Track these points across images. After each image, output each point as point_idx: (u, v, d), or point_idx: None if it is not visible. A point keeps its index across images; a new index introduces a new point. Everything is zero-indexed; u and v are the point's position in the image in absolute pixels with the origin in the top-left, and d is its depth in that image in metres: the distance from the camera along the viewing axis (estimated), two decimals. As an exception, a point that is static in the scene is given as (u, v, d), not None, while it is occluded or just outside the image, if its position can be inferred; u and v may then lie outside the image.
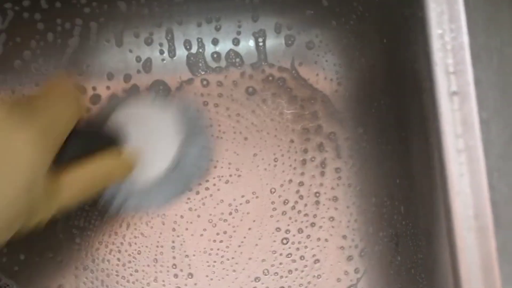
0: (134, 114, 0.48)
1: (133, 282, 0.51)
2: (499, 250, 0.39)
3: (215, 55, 0.53)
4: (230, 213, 0.52)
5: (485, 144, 0.39)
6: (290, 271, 0.52)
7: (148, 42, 0.52)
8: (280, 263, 0.52)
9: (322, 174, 0.52)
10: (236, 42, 0.53)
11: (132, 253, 0.51)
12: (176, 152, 0.47)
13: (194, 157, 0.49)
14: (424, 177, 0.44)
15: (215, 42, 0.53)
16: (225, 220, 0.52)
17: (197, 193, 0.52)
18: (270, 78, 0.53)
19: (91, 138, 0.43)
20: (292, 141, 0.52)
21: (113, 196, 0.48)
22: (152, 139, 0.47)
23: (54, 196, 0.38)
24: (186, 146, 0.48)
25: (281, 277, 0.51)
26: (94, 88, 0.52)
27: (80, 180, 0.40)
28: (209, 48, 0.53)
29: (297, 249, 0.52)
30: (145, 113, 0.48)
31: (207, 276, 0.52)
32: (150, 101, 0.49)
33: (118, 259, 0.51)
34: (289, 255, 0.52)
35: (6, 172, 0.33)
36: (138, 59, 0.52)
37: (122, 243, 0.51)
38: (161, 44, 0.52)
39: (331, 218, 0.52)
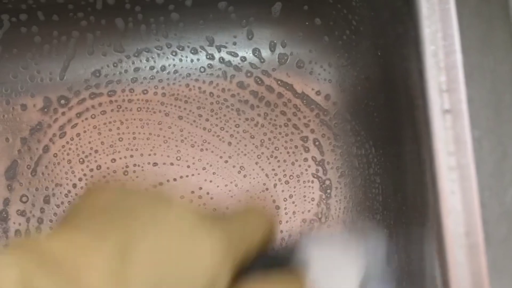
0: (318, 251, 0.47)
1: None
2: (489, 268, 0.39)
3: (209, 70, 0.53)
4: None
5: (477, 162, 0.39)
6: None
7: (143, 56, 0.52)
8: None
9: (313, 187, 0.52)
10: (231, 56, 0.53)
11: None
12: None
13: None
14: (417, 193, 0.44)
15: (210, 57, 0.53)
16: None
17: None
18: (265, 91, 0.53)
19: (275, 264, 0.43)
20: (284, 154, 0.52)
21: None
22: (331, 276, 0.46)
23: None
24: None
25: None
26: (82, 100, 0.52)
27: None
28: (204, 63, 0.53)
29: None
30: (329, 251, 0.47)
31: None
32: (343, 244, 0.48)
33: None
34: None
35: (190, 268, 0.34)
36: (132, 70, 0.53)
37: None
38: (155, 57, 0.53)
39: (322, 229, 0.52)
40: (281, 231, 0.52)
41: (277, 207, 0.52)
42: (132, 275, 0.32)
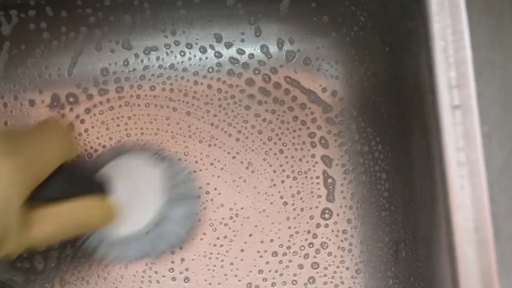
0: (125, 166, 0.47)
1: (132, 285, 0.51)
2: (499, 263, 0.39)
3: (217, 66, 0.53)
4: (231, 217, 0.52)
5: (486, 157, 0.40)
6: (286, 283, 0.52)
7: (151, 53, 0.53)
8: (277, 271, 0.52)
9: (320, 183, 0.52)
10: (239, 53, 0.53)
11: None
12: (159, 211, 0.47)
13: (177, 219, 0.49)
14: (425, 189, 0.44)
15: (218, 55, 0.53)
16: (226, 225, 0.52)
17: (198, 197, 0.52)
18: (273, 88, 0.53)
19: (76, 181, 0.42)
20: (292, 150, 0.52)
21: (89, 240, 0.48)
22: (137, 193, 0.47)
23: (26, 230, 0.37)
24: (171, 206, 0.48)
25: (279, 284, 0.52)
26: (90, 96, 0.52)
27: (55, 217, 0.39)
28: (212, 60, 0.53)
29: (297, 255, 0.52)
30: (136, 167, 0.48)
31: (205, 280, 0.52)
32: (145, 157, 0.49)
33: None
34: (290, 261, 0.52)
35: None
36: (141, 67, 0.53)
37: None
38: (163, 55, 0.53)
39: (329, 226, 0.52)
40: (289, 227, 0.52)
41: (285, 203, 0.52)
42: None
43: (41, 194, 0.38)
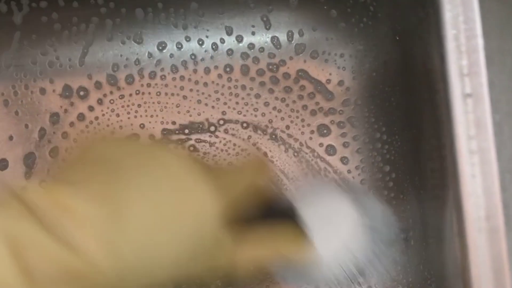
0: (320, 200, 0.47)
1: None
2: (510, 251, 0.39)
3: (228, 57, 0.53)
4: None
5: (497, 146, 0.39)
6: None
7: (162, 46, 0.53)
8: None
9: (330, 172, 0.52)
10: (249, 44, 0.53)
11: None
12: (347, 246, 0.47)
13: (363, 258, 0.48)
14: (436, 178, 0.44)
15: (229, 47, 0.53)
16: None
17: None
18: (282, 78, 0.53)
19: (276, 213, 0.43)
20: (300, 140, 0.53)
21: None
22: (329, 227, 0.47)
23: (229, 249, 0.39)
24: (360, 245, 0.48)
25: None
26: (99, 84, 0.52)
27: (262, 241, 0.41)
28: (223, 51, 0.53)
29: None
30: (331, 201, 0.48)
31: None
32: (343, 197, 0.48)
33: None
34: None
35: (181, 208, 0.35)
36: (152, 57, 0.53)
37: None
38: (174, 47, 0.53)
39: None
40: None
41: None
42: (123, 235, 0.33)
43: (238, 219, 0.39)
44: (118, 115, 0.52)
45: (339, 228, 0.46)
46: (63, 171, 0.37)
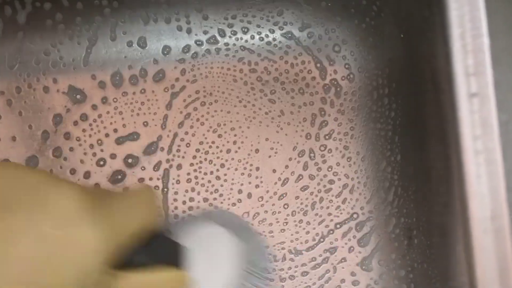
0: (203, 237, 0.47)
1: None
2: (515, 252, 0.39)
3: (231, 53, 0.53)
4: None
5: (503, 146, 0.39)
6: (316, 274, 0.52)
7: (165, 50, 0.53)
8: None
9: (333, 168, 0.52)
10: (255, 39, 0.53)
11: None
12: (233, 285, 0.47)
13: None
14: (441, 177, 0.44)
15: (233, 42, 0.53)
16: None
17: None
18: (288, 72, 0.53)
19: (158, 249, 0.42)
20: (303, 135, 0.52)
21: None
22: (214, 267, 0.47)
23: None
24: (246, 281, 0.47)
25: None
26: (102, 84, 0.52)
27: (136, 286, 0.40)
28: (227, 47, 0.53)
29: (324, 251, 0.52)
30: (214, 240, 0.48)
31: None
32: (223, 231, 0.48)
33: None
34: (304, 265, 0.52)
35: (66, 257, 0.34)
36: (156, 61, 0.53)
37: None
38: (177, 51, 0.53)
39: (343, 210, 0.52)
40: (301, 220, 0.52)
41: (304, 188, 0.52)
42: (8, 270, 0.33)
43: (125, 262, 0.38)
44: (121, 112, 0.52)
45: (222, 268, 0.47)
46: None
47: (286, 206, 0.52)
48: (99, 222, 0.36)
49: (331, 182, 0.52)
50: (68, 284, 0.34)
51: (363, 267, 0.52)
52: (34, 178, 0.36)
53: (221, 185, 0.52)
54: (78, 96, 0.52)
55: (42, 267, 0.34)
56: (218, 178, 0.52)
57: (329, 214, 0.52)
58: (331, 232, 0.52)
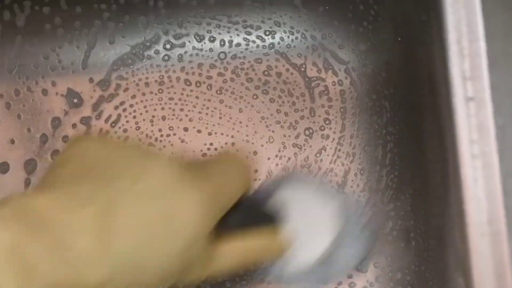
0: (296, 197, 0.47)
1: None
2: (512, 256, 0.39)
3: (228, 55, 0.53)
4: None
5: (500, 150, 0.40)
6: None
7: (163, 53, 0.53)
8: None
9: (330, 171, 0.52)
10: (257, 38, 0.53)
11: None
12: (330, 244, 0.47)
13: (346, 254, 0.48)
14: (438, 181, 0.44)
15: (229, 49, 0.53)
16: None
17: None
18: (284, 75, 0.53)
19: (252, 211, 0.43)
20: (302, 139, 0.53)
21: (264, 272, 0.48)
22: (310, 224, 0.47)
23: (210, 259, 0.39)
24: (342, 241, 0.47)
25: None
26: (101, 87, 0.52)
27: (237, 252, 0.41)
28: (223, 52, 0.53)
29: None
30: (307, 198, 0.48)
31: None
32: (315, 187, 0.49)
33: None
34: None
35: (172, 227, 0.35)
36: (155, 64, 0.53)
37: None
38: (178, 47, 0.53)
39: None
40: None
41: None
42: (116, 239, 0.33)
43: (222, 226, 0.39)
44: (119, 116, 0.52)
45: (320, 231, 0.47)
46: (56, 171, 0.37)
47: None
48: (199, 188, 0.36)
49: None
50: (174, 252, 0.35)
51: (360, 269, 0.52)
52: (132, 150, 0.37)
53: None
54: (76, 99, 0.52)
55: (148, 236, 0.34)
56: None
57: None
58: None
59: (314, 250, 0.46)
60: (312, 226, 0.46)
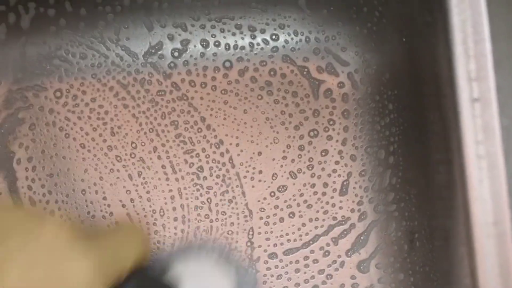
0: (194, 269, 0.47)
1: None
2: (517, 257, 0.39)
3: (234, 59, 0.53)
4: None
5: (505, 150, 0.39)
6: (306, 280, 0.52)
7: (169, 56, 0.53)
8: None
9: (334, 171, 0.52)
10: (261, 41, 0.53)
11: None
12: None
13: None
14: (443, 181, 0.44)
15: (234, 49, 0.53)
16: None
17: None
18: (287, 74, 0.53)
19: (148, 283, 0.43)
20: (306, 140, 0.53)
21: None
22: None
23: None
24: None
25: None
26: (107, 88, 0.52)
27: None
28: (229, 54, 0.53)
29: (322, 253, 0.52)
30: (205, 272, 0.48)
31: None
32: (213, 260, 0.49)
33: None
34: (307, 258, 0.52)
35: (57, 285, 0.35)
36: (159, 67, 0.53)
37: None
38: (183, 50, 0.53)
39: (345, 216, 0.52)
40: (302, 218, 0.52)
41: (307, 204, 0.52)
42: None
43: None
44: (124, 115, 0.52)
45: None
46: None
47: (284, 207, 0.52)
48: (91, 254, 0.36)
49: (331, 185, 0.52)
50: None
51: (362, 270, 0.52)
52: (24, 212, 0.37)
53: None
54: (81, 100, 0.52)
55: None
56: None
57: (328, 216, 0.52)
58: (329, 234, 0.52)
59: None
60: None
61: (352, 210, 0.52)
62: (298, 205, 0.52)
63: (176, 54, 0.53)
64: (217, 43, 0.53)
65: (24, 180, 0.51)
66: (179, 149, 0.52)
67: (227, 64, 0.53)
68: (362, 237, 0.52)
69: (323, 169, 0.52)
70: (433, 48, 0.43)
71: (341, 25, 0.52)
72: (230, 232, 0.52)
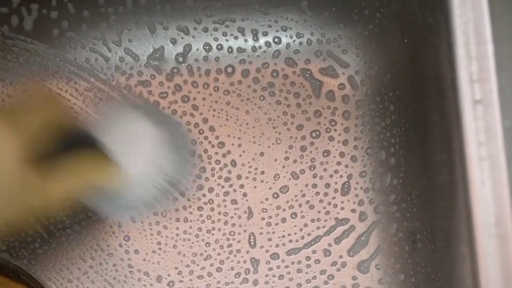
0: (121, 122, 0.48)
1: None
2: (519, 258, 0.39)
3: (233, 61, 0.53)
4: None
5: (507, 152, 0.40)
6: (308, 281, 0.52)
7: (172, 57, 0.53)
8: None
9: (335, 172, 0.53)
10: (264, 43, 0.53)
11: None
12: (153, 162, 0.47)
13: (171, 170, 0.49)
14: (445, 183, 0.44)
15: (238, 50, 0.53)
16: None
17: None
18: (289, 75, 0.53)
19: (76, 138, 0.44)
20: (309, 139, 0.53)
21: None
22: (132, 147, 0.47)
23: (34, 188, 0.40)
24: (165, 159, 0.48)
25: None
26: (110, 89, 0.52)
27: (66, 184, 0.42)
28: (231, 56, 0.53)
29: (324, 253, 0.52)
30: (132, 122, 0.48)
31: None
32: (142, 117, 0.49)
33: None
34: (309, 258, 0.52)
35: None
36: (161, 68, 0.53)
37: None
38: (186, 53, 0.53)
39: (347, 217, 0.53)
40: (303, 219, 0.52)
41: (309, 205, 0.52)
42: None
43: (44, 155, 0.40)
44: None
45: (142, 147, 0.48)
46: None
47: (286, 208, 0.52)
48: (4, 121, 0.38)
49: (332, 185, 0.52)
50: None
51: (363, 271, 0.52)
52: None
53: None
54: (86, 101, 0.52)
55: None
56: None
57: (330, 217, 0.52)
58: (331, 234, 0.52)
59: (136, 170, 0.47)
60: (135, 148, 0.47)
61: (353, 211, 0.52)
62: (300, 205, 0.52)
63: (179, 58, 0.53)
64: (219, 47, 0.53)
65: None
66: (181, 150, 0.52)
67: (230, 66, 0.53)
68: (363, 238, 0.52)
69: (325, 169, 0.53)
70: (435, 49, 0.43)
71: (343, 27, 0.52)
72: (232, 233, 0.52)
